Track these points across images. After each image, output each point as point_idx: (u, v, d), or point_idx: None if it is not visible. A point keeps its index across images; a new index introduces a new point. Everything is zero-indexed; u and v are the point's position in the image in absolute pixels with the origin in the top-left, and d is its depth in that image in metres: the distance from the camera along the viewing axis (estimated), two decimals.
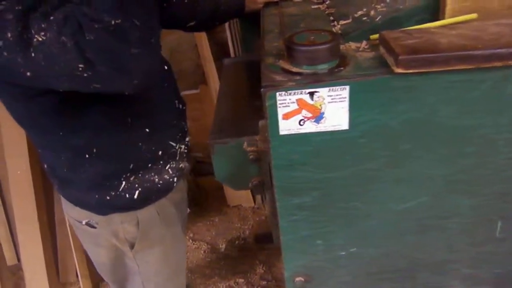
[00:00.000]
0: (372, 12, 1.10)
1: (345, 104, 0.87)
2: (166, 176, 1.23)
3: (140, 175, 1.18)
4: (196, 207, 2.55)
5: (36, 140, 1.14)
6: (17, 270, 2.28)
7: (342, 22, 1.10)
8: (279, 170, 0.95)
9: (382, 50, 0.90)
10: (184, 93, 2.62)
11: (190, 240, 2.43)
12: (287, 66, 0.92)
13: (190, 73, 2.70)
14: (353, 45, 1.00)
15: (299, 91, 0.85)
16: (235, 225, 2.49)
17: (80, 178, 1.14)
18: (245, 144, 1.08)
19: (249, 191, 2.55)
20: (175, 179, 1.27)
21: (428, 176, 0.99)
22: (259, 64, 1.47)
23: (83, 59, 0.79)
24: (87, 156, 1.10)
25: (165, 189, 1.25)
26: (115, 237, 1.23)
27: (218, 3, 1.40)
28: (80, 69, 0.80)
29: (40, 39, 0.79)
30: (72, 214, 1.25)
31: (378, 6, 1.11)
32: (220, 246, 2.36)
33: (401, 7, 1.07)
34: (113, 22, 0.76)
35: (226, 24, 2.30)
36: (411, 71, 0.81)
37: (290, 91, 0.85)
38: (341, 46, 0.96)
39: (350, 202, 1.01)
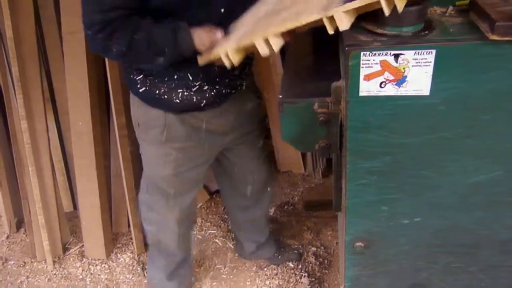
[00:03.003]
0: None
1: (430, 69, 0.85)
2: (173, 96, 1.36)
3: (151, 78, 1.36)
4: None
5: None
6: (73, 217, 2.39)
7: None
8: (353, 132, 0.95)
9: (473, 16, 0.87)
10: None
11: None
12: (370, 26, 0.90)
13: None
14: (438, 9, 0.97)
15: (384, 52, 0.84)
16: (285, 191, 2.50)
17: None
18: (316, 105, 1.08)
19: (300, 157, 2.56)
20: (184, 105, 1.37)
21: (505, 150, 0.96)
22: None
23: None
24: None
25: (170, 108, 1.38)
26: (134, 114, 1.50)
27: None
28: None
29: None
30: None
31: None
32: (269, 210, 2.38)
33: None
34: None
35: None
36: (507, 38, 0.78)
37: (375, 52, 0.84)
38: None
39: (421, 170, 1.00)
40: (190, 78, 1.33)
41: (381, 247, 1.15)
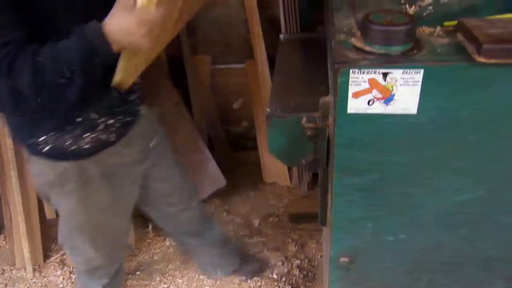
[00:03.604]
0: None
1: (417, 88, 0.86)
2: (81, 143, 1.28)
3: (53, 134, 1.25)
4: (232, 181, 2.57)
5: None
6: (55, 225, 2.35)
7: (414, 5, 1.08)
8: (340, 149, 0.95)
9: (460, 37, 0.88)
10: (229, 66, 2.62)
11: (225, 213, 2.46)
12: (359, 44, 0.91)
13: (237, 47, 2.69)
14: (426, 29, 0.97)
15: (373, 70, 0.84)
16: (270, 202, 2.49)
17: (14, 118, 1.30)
18: (304, 120, 1.08)
19: (286, 169, 2.56)
20: (94, 148, 1.30)
21: (489, 169, 0.97)
22: (318, 41, 1.47)
23: None
24: None
25: (82, 154, 1.30)
26: (39, 176, 1.37)
27: None
28: None
29: None
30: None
31: None
32: (254, 221, 2.37)
33: None
34: None
35: (280, 0, 2.27)
36: (493, 61, 0.79)
37: (364, 70, 0.84)
38: None
39: (407, 188, 1.00)
40: (93, 117, 1.26)
41: (366, 263, 1.15)
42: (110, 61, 1.06)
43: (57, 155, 1.28)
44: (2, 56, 0.99)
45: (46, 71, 1.02)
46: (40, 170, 1.35)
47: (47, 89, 1.05)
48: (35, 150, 1.29)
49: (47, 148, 1.26)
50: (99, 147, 1.31)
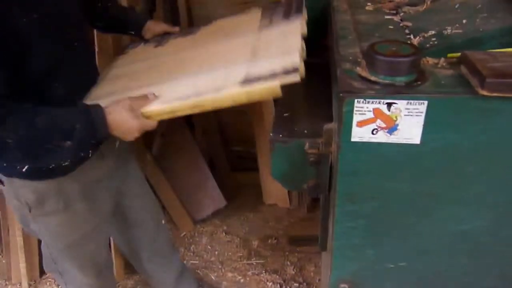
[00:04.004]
0: (450, 30, 1.09)
1: (421, 119, 0.87)
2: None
3: None
4: (232, 201, 2.57)
5: None
6: None
7: (418, 36, 1.10)
8: (343, 176, 0.96)
9: (464, 69, 0.89)
10: None
11: (224, 233, 2.45)
12: (364, 73, 0.92)
13: None
14: (430, 60, 0.99)
15: (378, 100, 0.85)
16: (269, 224, 2.49)
17: None
18: (307, 145, 1.09)
19: (286, 191, 2.56)
20: (72, 164, 1.29)
21: (490, 201, 0.98)
22: (322, 67, 1.48)
23: None
24: None
25: (60, 171, 1.29)
26: (16, 198, 1.33)
27: (126, 17, 1.64)
28: None
29: None
30: None
31: (457, 25, 1.10)
32: (253, 243, 2.37)
33: (481, 29, 1.06)
34: None
35: None
36: (495, 94, 0.80)
37: (368, 100, 0.85)
38: None
39: (408, 216, 1.01)
40: None
41: None
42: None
43: (35, 174, 1.27)
44: None
45: (41, 133, 1.07)
46: (18, 192, 1.32)
47: (35, 149, 1.09)
48: (14, 171, 1.26)
49: (26, 167, 1.21)
50: (77, 163, 1.31)
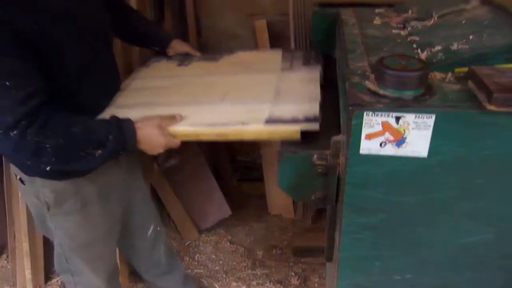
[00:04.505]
0: (457, 45, 1.10)
1: (428, 133, 0.88)
2: None
3: None
4: (237, 211, 2.58)
5: None
6: None
7: (426, 51, 1.11)
8: (351, 188, 0.97)
9: (471, 84, 0.91)
10: None
11: (228, 243, 2.46)
12: (373, 87, 0.94)
13: None
14: (438, 75, 1.01)
15: (386, 113, 0.87)
16: (274, 234, 2.50)
17: None
18: (315, 157, 1.11)
19: (291, 202, 2.57)
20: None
21: (496, 214, 0.99)
22: (329, 79, 1.50)
23: None
24: None
25: (79, 172, 1.34)
26: (36, 197, 1.38)
27: (152, 32, 1.73)
28: None
29: None
30: (13, 168, 1.43)
31: (464, 40, 1.11)
32: (257, 253, 2.37)
33: (488, 45, 1.07)
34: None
35: (292, 37, 2.32)
36: (503, 109, 0.81)
37: (377, 113, 0.87)
38: None
39: (415, 228, 1.02)
40: None
41: None
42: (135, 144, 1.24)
43: (56, 174, 1.31)
44: (34, 113, 1.09)
45: (77, 141, 1.16)
46: (39, 191, 1.36)
47: (69, 155, 1.17)
48: (37, 171, 1.31)
49: (47, 167, 1.22)
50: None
